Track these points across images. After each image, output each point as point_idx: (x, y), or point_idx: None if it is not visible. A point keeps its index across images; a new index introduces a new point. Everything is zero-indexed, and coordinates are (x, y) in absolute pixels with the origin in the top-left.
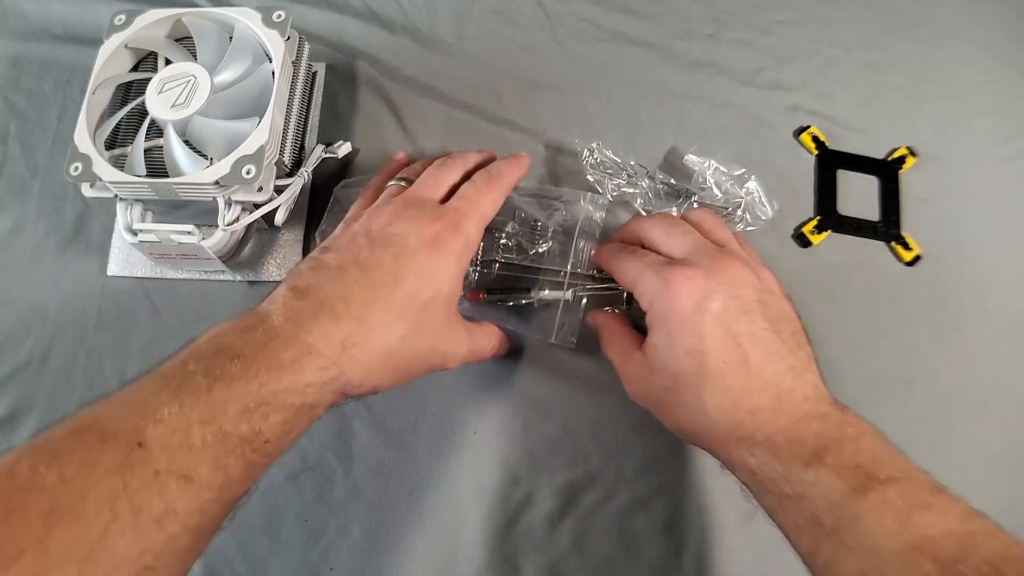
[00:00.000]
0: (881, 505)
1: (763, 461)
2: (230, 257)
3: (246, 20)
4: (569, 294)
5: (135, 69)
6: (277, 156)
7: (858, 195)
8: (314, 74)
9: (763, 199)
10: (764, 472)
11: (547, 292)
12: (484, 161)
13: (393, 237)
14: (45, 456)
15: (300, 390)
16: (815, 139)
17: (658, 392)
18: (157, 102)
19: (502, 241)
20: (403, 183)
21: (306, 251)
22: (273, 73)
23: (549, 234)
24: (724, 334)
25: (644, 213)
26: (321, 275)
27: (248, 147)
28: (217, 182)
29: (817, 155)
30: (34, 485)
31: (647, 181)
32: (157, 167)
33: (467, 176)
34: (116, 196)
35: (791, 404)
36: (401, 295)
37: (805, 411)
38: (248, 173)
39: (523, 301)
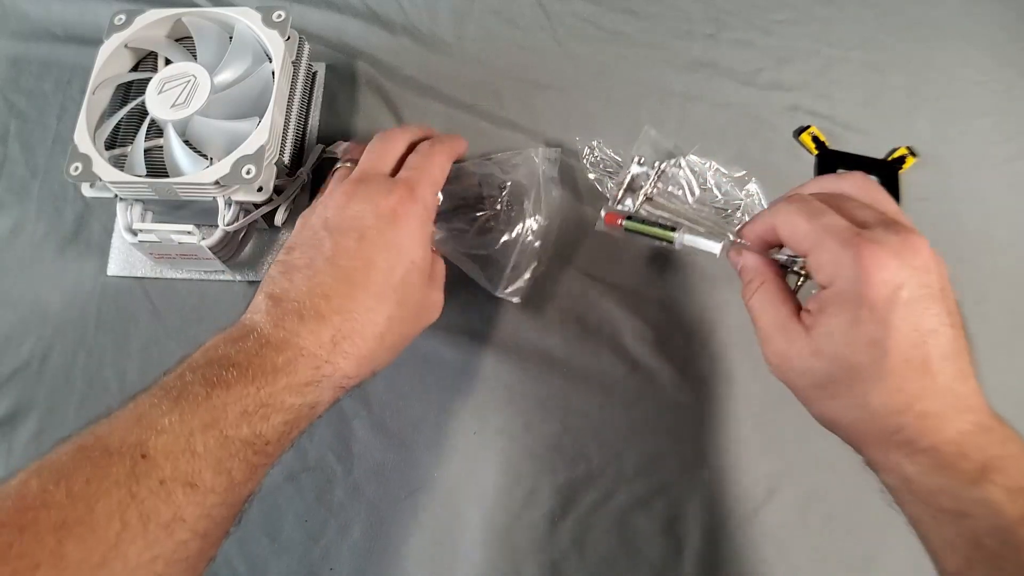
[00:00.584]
0: None
1: (924, 470)
2: (230, 257)
3: (246, 20)
4: (718, 248)
5: (135, 69)
6: (277, 156)
7: None
8: (314, 74)
9: (763, 202)
10: (922, 482)
11: (690, 238)
12: (424, 134)
13: (351, 220)
14: (52, 475)
15: (298, 389)
16: (815, 139)
17: (815, 377)
18: (157, 102)
19: (649, 189)
20: (348, 165)
21: None
22: (273, 73)
23: (506, 191)
24: (911, 329)
25: (644, 213)
26: (294, 277)
27: (248, 147)
28: (217, 182)
29: (817, 155)
30: (44, 502)
31: None
32: (157, 167)
33: (411, 148)
34: (116, 196)
35: (959, 413)
36: (377, 277)
37: (973, 422)
38: (248, 173)
39: (663, 241)
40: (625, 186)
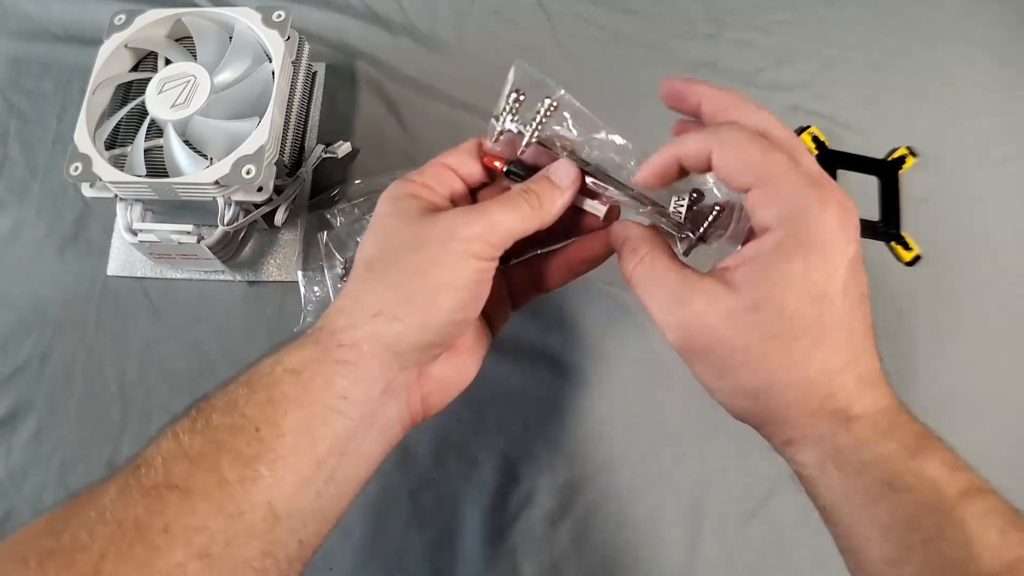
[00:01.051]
0: (987, 514)
1: (863, 439)
2: (230, 257)
3: (246, 20)
4: (603, 211)
5: (135, 69)
6: (277, 156)
7: (858, 195)
8: (314, 74)
9: None
10: (857, 454)
11: (588, 203)
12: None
13: None
14: None
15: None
16: (815, 139)
17: (743, 337)
18: (157, 102)
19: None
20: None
21: (305, 252)
22: (273, 73)
23: None
24: (855, 286)
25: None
26: None
27: (248, 147)
28: (217, 182)
29: (817, 155)
30: None
31: None
32: (157, 167)
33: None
34: (116, 196)
35: (884, 387)
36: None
37: (892, 395)
38: (248, 173)
39: None
40: (504, 122)
